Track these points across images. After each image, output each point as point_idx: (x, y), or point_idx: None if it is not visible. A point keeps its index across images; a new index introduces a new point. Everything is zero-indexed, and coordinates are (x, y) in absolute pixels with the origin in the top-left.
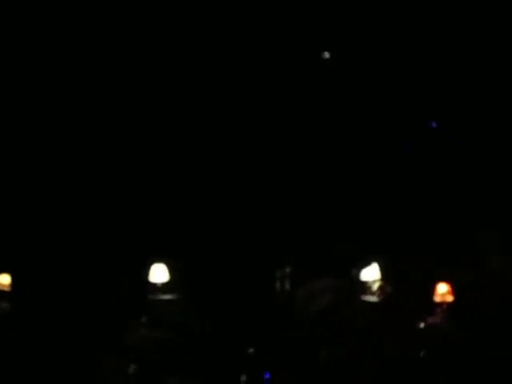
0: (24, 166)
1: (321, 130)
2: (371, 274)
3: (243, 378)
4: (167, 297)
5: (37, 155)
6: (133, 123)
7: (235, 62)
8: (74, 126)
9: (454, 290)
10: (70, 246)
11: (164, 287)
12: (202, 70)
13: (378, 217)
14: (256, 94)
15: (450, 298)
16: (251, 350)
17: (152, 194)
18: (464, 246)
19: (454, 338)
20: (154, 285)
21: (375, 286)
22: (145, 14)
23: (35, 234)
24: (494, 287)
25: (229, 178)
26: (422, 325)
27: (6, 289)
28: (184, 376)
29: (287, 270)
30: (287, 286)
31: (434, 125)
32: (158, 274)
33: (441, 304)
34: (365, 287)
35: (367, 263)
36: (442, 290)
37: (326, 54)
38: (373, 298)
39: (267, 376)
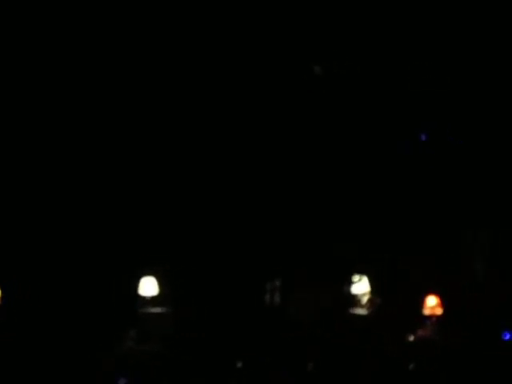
0: (16, 179)
1: (320, 131)
2: (361, 287)
3: None
4: (157, 310)
5: (30, 167)
6: (125, 135)
7: (236, 63)
8: (66, 135)
9: (443, 303)
10: (60, 259)
11: (153, 300)
12: (203, 71)
13: (367, 228)
14: (255, 96)
15: (439, 311)
16: (240, 364)
17: (142, 208)
18: (451, 251)
19: (444, 351)
20: (144, 298)
21: (365, 299)
22: (145, 14)
23: (25, 248)
24: (481, 298)
25: (220, 191)
26: (411, 337)
27: None
28: None
29: (277, 282)
30: (277, 299)
31: (424, 138)
32: (148, 287)
33: (430, 317)
34: (354, 300)
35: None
36: (432, 303)
37: (317, 69)
38: (362, 311)
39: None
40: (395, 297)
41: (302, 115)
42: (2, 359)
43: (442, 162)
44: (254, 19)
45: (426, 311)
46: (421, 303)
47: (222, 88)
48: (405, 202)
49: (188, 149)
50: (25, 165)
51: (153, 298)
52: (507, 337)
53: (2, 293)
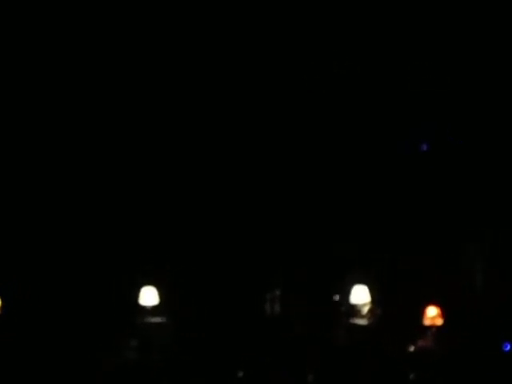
0: (16, 185)
1: (320, 131)
2: (361, 297)
3: None
4: (157, 320)
5: (31, 171)
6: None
7: (235, 62)
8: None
9: (444, 313)
10: (60, 268)
11: (154, 310)
12: (203, 71)
13: (369, 238)
14: (254, 97)
15: (439, 321)
16: (240, 374)
17: (143, 217)
18: (451, 261)
19: (444, 361)
20: (144, 308)
21: (365, 309)
22: (145, 14)
23: (25, 256)
24: (482, 309)
25: (219, 199)
26: (412, 348)
27: None
28: None
29: (277, 292)
30: (277, 308)
31: (425, 148)
32: (148, 296)
33: (430, 327)
34: (354, 310)
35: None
36: (432, 314)
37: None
38: (362, 321)
39: None
40: (395, 307)
41: (303, 115)
42: (3, 365)
43: (442, 163)
44: (255, 20)
45: (427, 321)
46: (421, 313)
47: (222, 88)
48: (405, 206)
49: (188, 156)
50: (25, 168)
51: (153, 307)
52: (507, 348)
53: (2, 302)
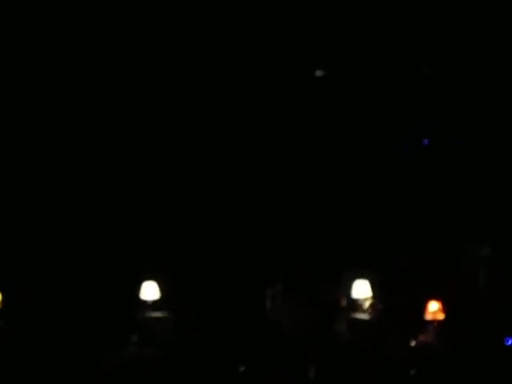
0: (16, 183)
1: (321, 131)
2: (362, 291)
3: None
4: (158, 314)
5: (31, 169)
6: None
7: (236, 63)
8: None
9: (445, 308)
10: (61, 264)
11: (155, 305)
12: (204, 72)
13: (371, 233)
14: (255, 97)
15: (441, 316)
16: (242, 368)
17: (144, 213)
18: (452, 256)
19: (446, 356)
20: (145, 302)
21: (366, 304)
22: (145, 14)
23: (25, 252)
24: (482, 304)
25: (220, 195)
26: (413, 343)
27: None
28: None
29: (278, 287)
30: (277, 305)
31: (426, 142)
32: (149, 291)
33: (432, 322)
34: (356, 305)
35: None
36: (433, 308)
37: (319, 72)
38: (364, 316)
39: None
40: (397, 302)
41: (303, 115)
42: (4, 363)
43: (442, 163)
44: (255, 21)
45: (428, 316)
46: (422, 308)
47: (222, 88)
48: (406, 203)
49: (188, 154)
50: (25, 166)
51: (154, 302)
52: (509, 342)
53: (2, 297)
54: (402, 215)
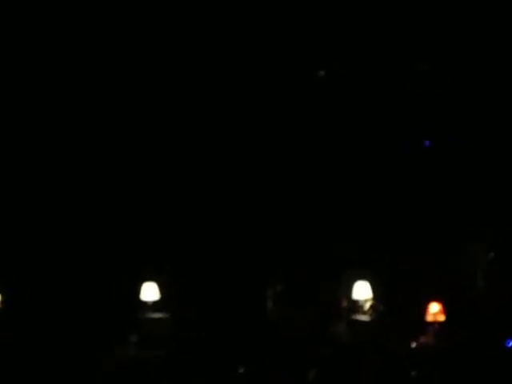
0: (17, 184)
1: (321, 132)
2: (363, 293)
3: None
4: (158, 315)
5: (32, 170)
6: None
7: (237, 63)
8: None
9: (446, 310)
10: (62, 264)
11: (155, 305)
12: (205, 72)
13: (372, 235)
14: (256, 97)
15: (441, 318)
16: (242, 369)
17: (144, 213)
18: (452, 262)
19: (446, 357)
20: (145, 303)
21: (367, 305)
22: (145, 14)
23: (25, 253)
24: (483, 305)
25: (219, 196)
26: (413, 344)
27: None
28: None
29: (278, 288)
30: (278, 305)
31: (428, 143)
32: (149, 292)
33: (432, 323)
34: (356, 306)
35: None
36: (434, 310)
37: (322, 73)
38: (364, 317)
39: None
40: (397, 303)
41: (303, 115)
42: (3, 363)
43: (442, 163)
44: (257, 21)
45: (429, 318)
46: (423, 310)
47: (222, 88)
48: (406, 204)
49: (189, 155)
50: (25, 167)
51: (154, 303)
52: (510, 344)
53: (2, 297)
54: (403, 216)
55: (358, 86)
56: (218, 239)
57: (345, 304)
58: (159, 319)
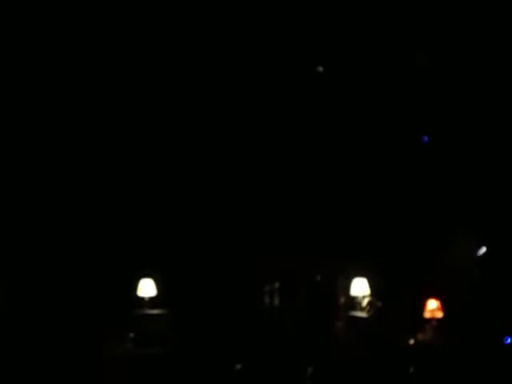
0: (16, 180)
1: (322, 135)
2: (361, 289)
3: None
4: (154, 311)
5: (30, 167)
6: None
7: (236, 63)
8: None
9: (444, 306)
10: (58, 260)
11: (151, 302)
12: (203, 71)
13: (368, 231)
14: (256, 96)
15: (439, 314)
16: (239, 366)
17: (141, 209)
18: (450, 258)
19: (444, 354)
20: (142, 299)
21: (365, 302)
22: (145, 14)
23: (21, 248)
24: (481, 302)
25: (219, 192)
26: (411, 341)
27: None
28: None
29: (276, 284)
30: (276, 301)
31: (426, 139)
32: (146, 288)
33: (431, 320)
34: (354, 303)
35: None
36: (432, 306)
37: (320, 68)
38: (362, 314)
39: None
40: (395, 299)
41: (304, 115)
42: (2, 360)
43: (443, 160)
44: (256, 19)
45: (427, 314)
46: (421, 306)
47: (223, 89)
48: (403, 201)
49: (187, 149)
50: (25, 165)
51: (151, 299)
52: (508, 341)
53: None
54: (400, 214)
55: (357, 80)
56: (215, 235)
57: (342, 300)
58: (156, 315)
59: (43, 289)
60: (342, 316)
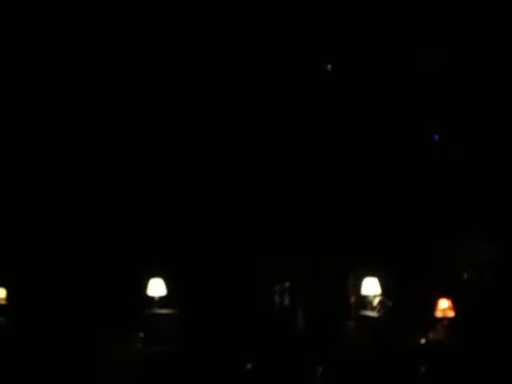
0: (19, 184)
1: (328, 136)
2: (372, 288)
3: None
4: (164, 311)
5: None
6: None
7: (240, 64)
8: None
9: (455, 306)
10: (67, 260)
11: (161, 301)
12: (207, 71)
13: (380, 230)
14: (262, 96)
15: (451, 314)
16: (249, 366)
17: (150, 209)
18: (458, 259)
19: (455, 354)
20: (152, 299)
21: (376, 301)
22: (145, 14)
23: (30, 248)
24: (492, 301)
25: (224, 194)
26: (423, 340)
27: (2, 302)
28: None
29: (286, 284)
30: (286, 301)
31: (436, 138)
32: (156, 287)
33: (442, 319)
34: (365, 302)
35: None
36: (443, 306)
37: (328, 66)
38: (373, 313)
39: None
40: (407, 299)
41: (301, 122)
42: (8, 359)
43: (453, 157)
44: (262, 15)
45: (438, 314)
46: (432, 306)
47: (224, 89)
48: (415, 200)
49: (196, 151)
50: (32, 166)
51: (160, 298)
52: None
53: (7, 293)
54: (412, 213)
55: (367, 79)
56: (225, 235)
57: (353, 300)
58: (166, 315)
59: (52, 288)
60: (353, 315)
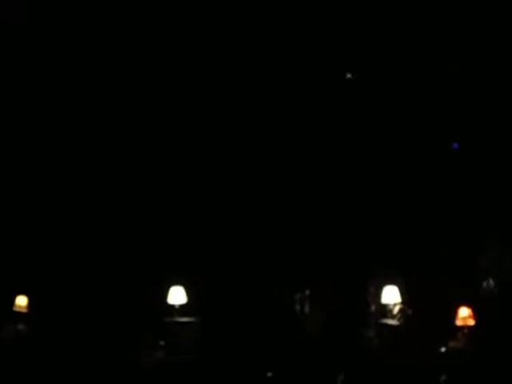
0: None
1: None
2: (391, 297)
3: None
4: (185, 319)
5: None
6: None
7: (246, 65)
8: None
9: (476, 314)
10: (87, 269)
11: (182, 309)
12: (215, 73)
13: (401, 239)
14: (281, 100)
15: (471, 322)
16: (270, 374)
17: (171, 218)
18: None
19: (476, 362)
20: (172, 307)
21: (396, 309)
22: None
23: (52, 257)
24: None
25: (245, 203)
26: (443, 348)
27: (23, 310)
28: None
29: (307, 292)
30: (306, 309)
31: (457, 146)
32: (176, 296)
33: (462, 328)
34: (385, 310)
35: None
36: (464, 314)
37: (349, 75)
38: (393, 322)
39: None
40: (427, 307)
41: (335, 125)
42: (29, 366)
43: (470, 168)
44: (284, 22)
45: (459, 322)
46: (453, 314)
47: (226, 90)
48: (434, 209)
49: (215, 163)
50: (54, 177)
51: (181, 306)
52: None
53: (29, 301)
54: (433, 222)
55: (388, 87)
56: (245, 244)
57: (373, 308)
58: (186, 323)
59: (74, 297)
60: (373, 323)
